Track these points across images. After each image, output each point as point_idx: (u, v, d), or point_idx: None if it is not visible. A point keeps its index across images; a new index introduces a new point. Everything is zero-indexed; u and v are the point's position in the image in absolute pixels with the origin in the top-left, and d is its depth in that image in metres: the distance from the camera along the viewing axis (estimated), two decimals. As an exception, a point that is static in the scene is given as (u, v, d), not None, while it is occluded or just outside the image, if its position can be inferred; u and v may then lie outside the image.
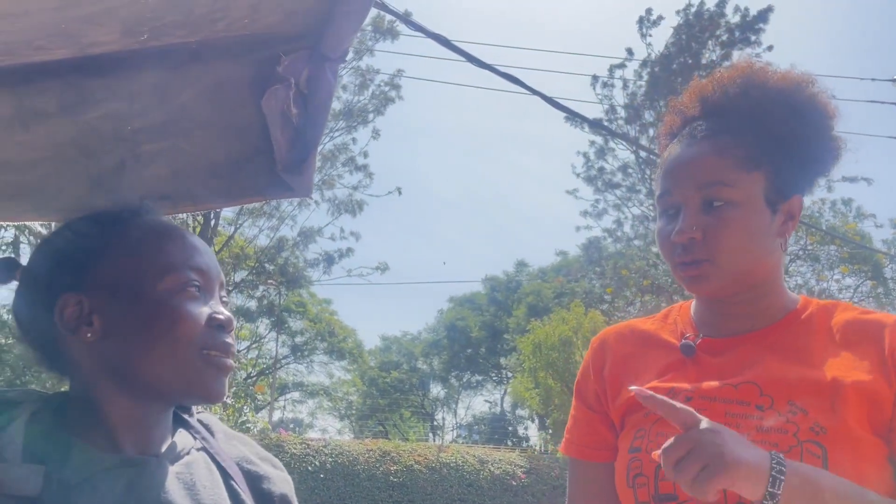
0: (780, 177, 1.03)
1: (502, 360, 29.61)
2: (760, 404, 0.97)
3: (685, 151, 1.05)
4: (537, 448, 20.20)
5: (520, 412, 30.37)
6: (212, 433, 0.96)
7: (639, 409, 1.07)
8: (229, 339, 0.87)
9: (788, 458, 0.90)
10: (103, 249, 0.87)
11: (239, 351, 22.24)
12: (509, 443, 27.84)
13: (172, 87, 1.07)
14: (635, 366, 1.13)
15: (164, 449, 0.86)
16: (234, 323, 0.89)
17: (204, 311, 0.86)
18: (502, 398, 31.42)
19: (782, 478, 0.83)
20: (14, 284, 0.91)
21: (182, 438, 0.90)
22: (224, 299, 0.91)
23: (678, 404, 0.88)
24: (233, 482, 0.90)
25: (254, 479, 0.93)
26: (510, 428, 31.29)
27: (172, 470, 0.84)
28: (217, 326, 0.86)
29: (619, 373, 1.14)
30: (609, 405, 1.14)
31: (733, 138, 1.03)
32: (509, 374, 27.83)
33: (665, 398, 0.89)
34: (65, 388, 0.89)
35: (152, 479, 0.81)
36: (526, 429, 31.37)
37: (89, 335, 0.83)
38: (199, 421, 0.97)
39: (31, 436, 0.78)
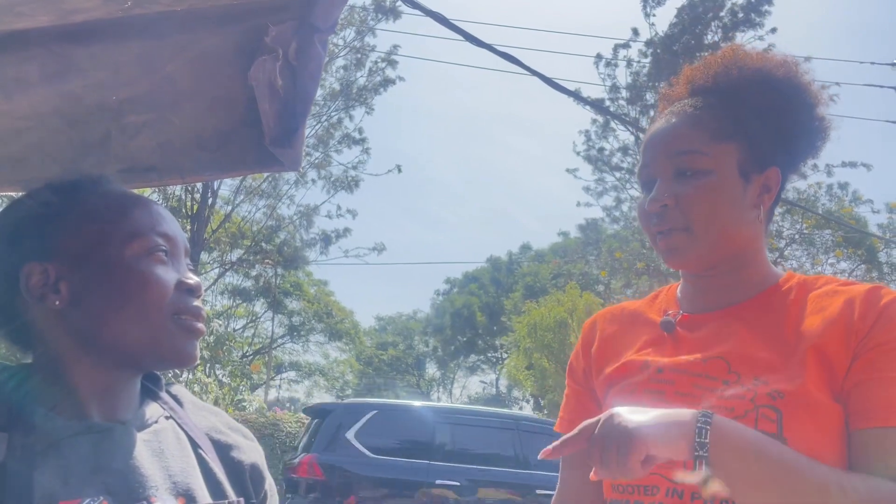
0: (754, 148, 1.04)
1: (498, 341, 29.74)
2: (727, 380, 0.98)
3: (661, 126, 1.08)
4: (532, 428, 20.30)
5: (515, 393, 30.55)
6: (180, 404, 0.96)
7: (617, 382, 1.09)
8: (199, 303, 0.87)
9: (743, 422, 0.91)
10: (67, 216, 0.86)
11: (235, 330, 22.33)
12: (504, 423, 27.94)
13: (158, 57, 1.05)
14: (619, 343, 1.15)
15: (131, 417, 0.86)
16: (202, 288, 0.89)
17: (172, 275, 0.86)
18: (497, 379, 31.61)
19: (708, 427, 0.84)
20: None
21: (150, 408, 0.90)
22: (190, 267, 0.91)
23: (572, 433, 0.89)
24: (201, 451, 0.89)
25: (223, 449, 0.93)
26: (505, 408, 31.48)
27: (140, 437, 0.84)
28: (187, 290, 0.86)
29: (604, 350, 1.16)
30: (594, 380, 1.16)
31: (708, 111, 1.05)
32: (504, 355, 27.97)
33: (561, 440, 0.90)
34: (28, 360, 0.88)
35: (119, 444, 0.81)
36: (521, 409, 31.58)
37: (57, 303, 0.82)
38: (169, 392, 0.97)
39: None
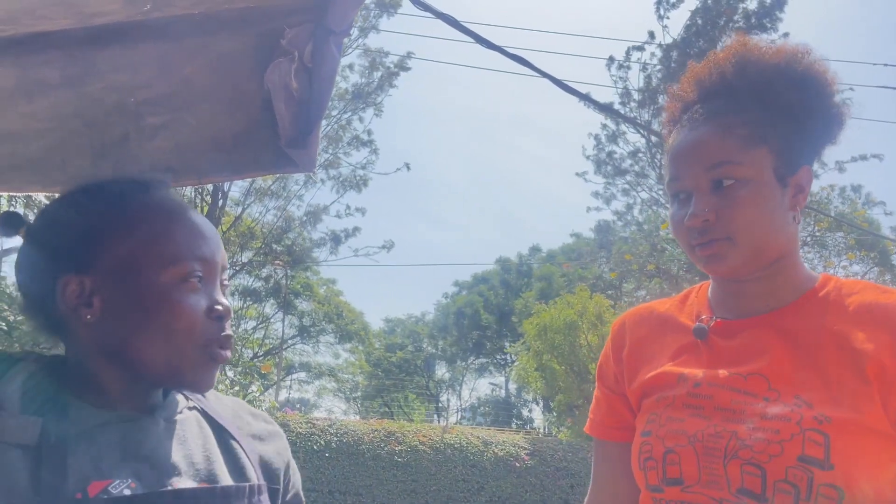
0: (786, 150, 1.02)
1: (507, 344, 29.69)
2: (768, 396, 0.96)
3: (689, 135, 1.04)
4: (541, 431, 20.29)
5: (524, 395, 30.49)
6: (203, 395, 0.98)
7: (652, 393, 1.08)
8: (228, 331, 0.87)
9: (789, 445, 0.90)
10: (108, 229, 0.86)
11: (245, 331, 22.41)
12: (513, 425, 27.98)
13: (176, 59, 1.07)
14: (650, 349, 1.13)
15: (157, 408, 0.89)
16: (232, 311, 0.89)
17: (203, 302, 0.86)
18: (507, 381, 31.56)
19: None
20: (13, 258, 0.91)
21: (174, 399, 0.92)
22: (224, 283, 0.91)
23: None
24: (232, 440, 0.92)
25: (246, 434, 0.96)
26: (514, 410, 31.44)
27: (165, 426, 0.87)
28: (216, 317, 0.86)
29: (636, 356, 1.14)
30: (627, 387, 1.14)
31: (735, 117, 1.02)
32: (514, 358, 27.93)
33: None
34: (61, 352, 0.90)
35: (146, 433, 0.84)
36: (530, 411, 31.53)
37: (88, 316, 0.84)
38: None
39: (30, 391, 0.80)
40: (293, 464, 1.02)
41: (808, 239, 14.73)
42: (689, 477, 0.97)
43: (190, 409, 0.93)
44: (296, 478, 1.02)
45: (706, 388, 1.01)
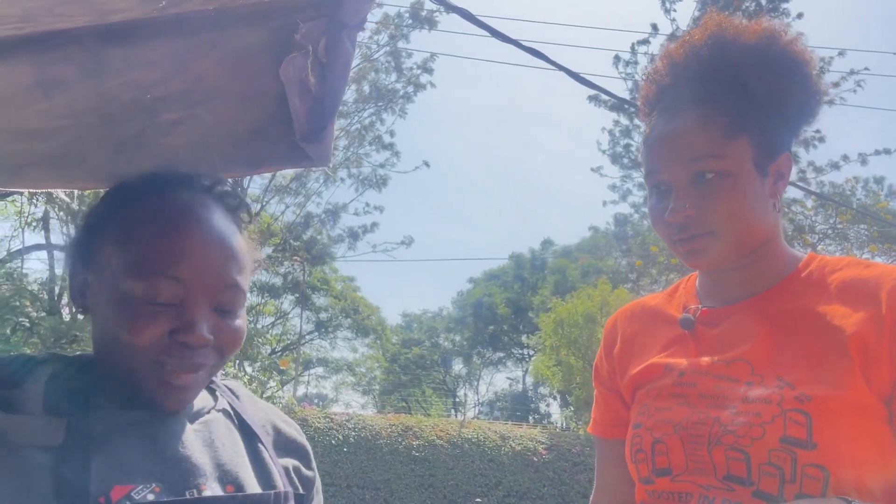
0: (765, 139, 1.00)
1: (524, 339, 29.65)
2: (750, 381, 0.95)
3: (666, 126, 1.02)
4: (559, 425, 20.27)
5: (541, 390, 30.45)
6: (237, 397, 0.97)
7: (643, 385, 1.08)
8: (192, 356, 0.81)
9: (770, 427, 0.89)
10: (109, 226, 0.84)
11: (263, 327, 22.58)
12: (531, 419, 27.97)
13: (191, 55, 1.07)
14: (640, 343, 1.13)
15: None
16: (206, 340, 0.80)
17: (167, 323, 0.79)
18: (524, 376, 31.53)
19: None
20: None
21: (202, 399, 0.90)
22: (225, 308, 0.83)
23: None
24: (260, 444, 0.91)
25: (276, 441, 0.95)
26: (532, 405, 31.41)
27: (191, 427, 0.85)
28: (181, 343, 0.80)
29: (627, 351, 1.15)
30: (619, 383, 1.15)
31: (713, 106, 0.99)
32: (531, 352, 27.89)
33: None
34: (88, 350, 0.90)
35: (171, 434, 0.82)
36: (548, 406, 31.48)
37: (80, 312, 0.85)
38: (225, 385, 0.98)
39: (54, 391, 0.79)
40: (317, 478, 1.00)
41: (830, 231, 14.55)
42: (676, 466, 0.97)
43: (219, 410, 0.91)
44: (318, 489, 1.00)
45: (690, 377, 1.01)
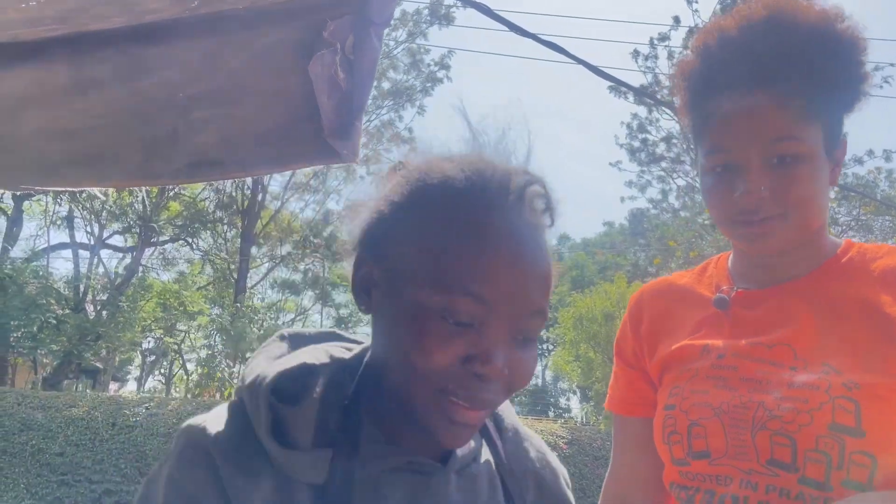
0: (834, 123, 0.99)
1: (543, 333, 29.56)
2: (794, 366, 0.94)
3: (737, 105, 0.96)
4: (579, 419, 20.21)
5: (561, 384, 30.36)
6: (501, 430, 0.85)
7: (675, 367, 1.06)
8: (482, 390, 0.68)
9: (819, 414, 0.88)
10: (415, 222, 0.71)
11: (283, 323, 22.71)
12: (551, 414, 27.90)
13: (222, 54, 1.09)
14: (670, 322, 1.11)
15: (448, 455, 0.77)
16: (503, 374, 0.68)
17: (463, 347, 0.67)
18: (543, 370, 31.45)
19: None
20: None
21: (470, 446, 0.79)
22: (526, 336, 0.71)
23: None
24: (512, 500, 0.81)
25: (532, 489, 0.85)
26: (552, 399, 31.33)
27: (455, 481, 0.76)
28: (475, 374, 0.67)
29: (656, 330, 1.12)
30: (647, 362, 1.13)
31: (788, 87, 0.95)
32: (551, 347, 27.81)
33: None
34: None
35: (434, 490, 0.74)
36: (568, 400, 31.40)
37: (364, 308, 0.74)
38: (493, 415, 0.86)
39: (325, 416, 0.70)
40: None
41: (854, 224, 14.37)
42: (716, 449, 0.96)
43: (484, 460, 0.80)
44: None
45: (730, 360, 0.99)
